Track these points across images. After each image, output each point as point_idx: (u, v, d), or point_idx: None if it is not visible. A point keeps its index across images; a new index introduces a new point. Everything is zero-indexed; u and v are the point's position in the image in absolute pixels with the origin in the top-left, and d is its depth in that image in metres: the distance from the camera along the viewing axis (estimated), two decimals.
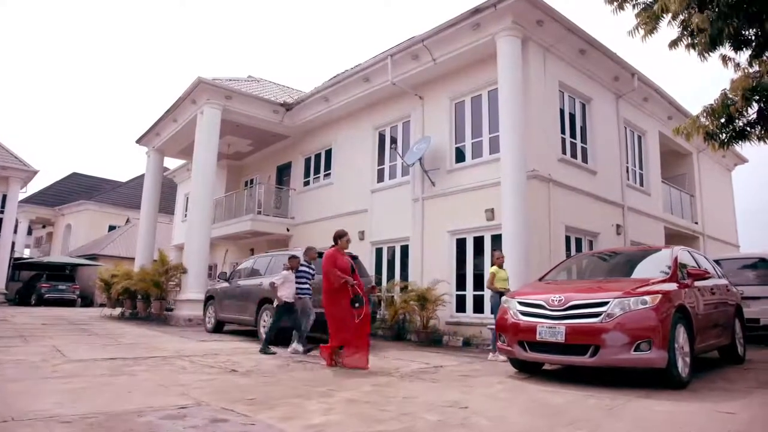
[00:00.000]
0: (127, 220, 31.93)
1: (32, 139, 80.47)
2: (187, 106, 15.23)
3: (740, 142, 7.23)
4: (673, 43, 7.27)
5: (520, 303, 5.70)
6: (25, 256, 33.14)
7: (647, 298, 5.07)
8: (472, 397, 4.55)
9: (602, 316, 5.03)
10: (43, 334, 9.42)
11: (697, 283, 6.02)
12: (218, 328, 11.05)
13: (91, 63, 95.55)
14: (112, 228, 32.93)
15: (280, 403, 4.10)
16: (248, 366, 6.25)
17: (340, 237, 6.92)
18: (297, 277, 8.09)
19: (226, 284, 10.87)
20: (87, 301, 25.24)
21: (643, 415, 3.93)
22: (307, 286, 8.11)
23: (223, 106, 14.43)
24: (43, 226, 37.07)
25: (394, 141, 13.08)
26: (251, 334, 10.02)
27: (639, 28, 7.14)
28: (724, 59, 7.13)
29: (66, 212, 34.07)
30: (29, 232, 37.07)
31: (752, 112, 6.88)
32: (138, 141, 18.76)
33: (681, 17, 7.12)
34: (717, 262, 8.77)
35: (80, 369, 5.54)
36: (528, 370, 6.07)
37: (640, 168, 13.75)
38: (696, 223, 16.06)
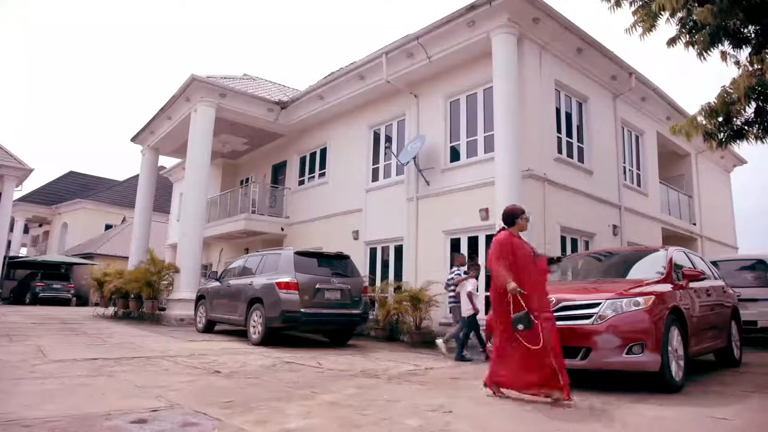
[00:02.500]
0: (124, 219, 31.79)
1: (30, 137, 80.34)
2: (181, 104, 15.09)
3: (738, 142, 7.12)
4: (672, 41, 7.15)
5: None
6: (21, 255, 32.98)
7: (640, 299, 4.94)
8: (458, 401, 4.41)
9: (594, 317, 4.90)
10: (30, 334, 9.28)
11: (692, 285, 5.90)
12: (209, 327, 10.90)
13: (89, 60, 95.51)
14: (108, 227, 32.81)
15: (259, 406, 3.96)
16: (233, 367, 6.11)
17: (516, 215, 4.68)
18: (450, 283, 8.42)
19: (217, 283, 10.73)
20: (82, 301, 25.09)
21: (633, 421, 3.79)
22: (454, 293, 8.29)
23: (217, 104, 14.30)
24: (40, 225, 36.94)
25: (388, 140, 12.95)
26: (242, 334, 9.88)
27: (636, 26, 7.01)
28: (724, 55, 7.01)
29: (62, 211, 33.93)
30: (26, 231, 36.92)
31: (750, 110, 6.76)
32: (133, 139, 18.63)
33: (679, 15, 7.01)
34: (714, 263, 8.64)
35: (59, 370, 5.40)
36: None
37: (638, 168, 13.62)
38: (694, 224, 15.92)
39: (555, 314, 5.07)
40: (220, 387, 4.79)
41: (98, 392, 4.26)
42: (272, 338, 8.81)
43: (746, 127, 6.92)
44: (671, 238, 14.15)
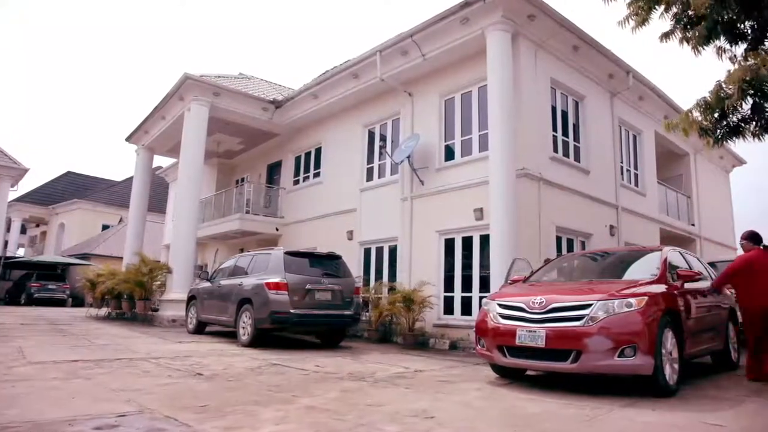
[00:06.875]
0: (120, 220, 31.65)
1: (29, 137, 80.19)
2: (174, 103, 14.95)
3: (734, 139, 6.96)
4: (665, 36, 7.02)
5: (500, 305, 5.41)
6: (17, 255, 32.83)
7: (632, 300, 4.78)
8: (444, 405, 4.25)
9: (585, 319, 4.75)
10: (16, 335, 9.12)
11: (687, 285, 5.74)
12: (200, 328, 10.75)
13: (88, 60, 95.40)
14: (105, 227, 32.68)
15: (234, 410, 3.81)
16: (217, 369, 5.96)
17: None
18: None
19: (208, 284, 10.57)
20: (78, 301, 24.89)
21: (623, 427, 3.64)
22: None
23: (210, 103, 14.14)
24: (37, 225, 36.82)
25: (383, 138, 12.80)
26: (232, 336, 9.72)
27: (630, 19, 6.88)
28: (719, 50, 6.87)
29: (60, 211, 33.82)
30: (23, 231, 36.81)
31: (746, 107, 6.61)
32: (127, 139, 18.48)
33: (674, 9, 6.87)
34: (712, 264, 8.48)
35: (35, 372, 5.25)
36: (510, 375, 5.78)
37: (635, 168, 13.45)
38: (692, 225, 15.75)
39: (545, 315, 4.96)
40: (199, 390, 4.64)
41: (69, 396, 4.11)
42: (262, 340, 8.66)
43: (743, 124, 6.77)
44: (669, 238, 13.98)
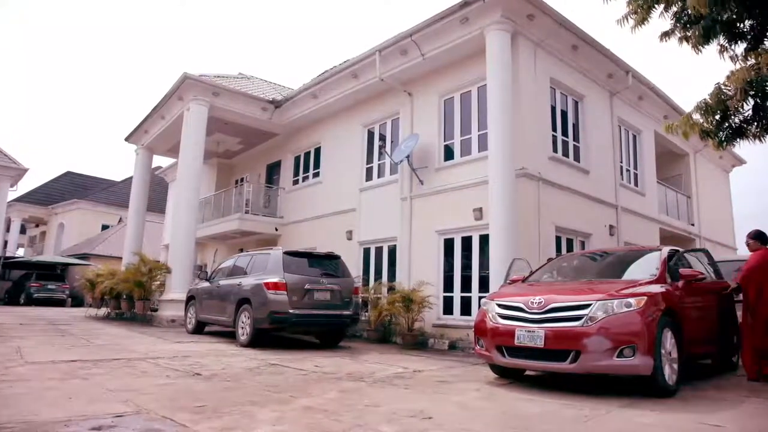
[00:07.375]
0: (120, 220, 31.65)
1: (28, 137, 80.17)
2: (174, 102, 14.94)
3: (739, 141, 6.93)
4: (665, 35, 7.01)
5: (499, 305, 5.39)
6: (17, 256, 32.81)
7: (632, 300, 4.77)
8: (442, 406, 4.24)
9: (584, 319, 4.74)
10: (15, 335, 9.10)
11: (687, 285, 5.72)
12: (199, 329, 10.73)
13: (89, 60, 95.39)
14: (105, 227, 32.66)
15: (230, 411, 3.79)
16: (215, 369, 5.94)
17: None
18: None
19: (207, 284, 10.56)
20: (78, 301, 24.87)
21: (621, 428, 3.62)
22: None
23: (210, 103, 14.13)
24: (37, 225, 36.79)
25: (382, 138, 12.79)
26: (231, 336, 9.70)
27: (629, 18, 6.86)
28: (722, 48, 6.84)
29: (59, 211, 33.81)
30: (23, 231, 36.79)
31: (747, 108, 6.59)
32: (127, 138, 18.47)
33: (673, 9, 6.86)
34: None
35: (33, 372, 5.23)
36: (509, 375, 5.77)
37: (635, 168, 13.44)
38: (692, 224, 15.73)
39: (544, 315, 4.94)
40: (196, 390, 4.62)
41: (65, 396, 4.09)
42: (261, 340, 8.65)
43: (745, 125, 6.75)
44: (669, 238, 13.96)
